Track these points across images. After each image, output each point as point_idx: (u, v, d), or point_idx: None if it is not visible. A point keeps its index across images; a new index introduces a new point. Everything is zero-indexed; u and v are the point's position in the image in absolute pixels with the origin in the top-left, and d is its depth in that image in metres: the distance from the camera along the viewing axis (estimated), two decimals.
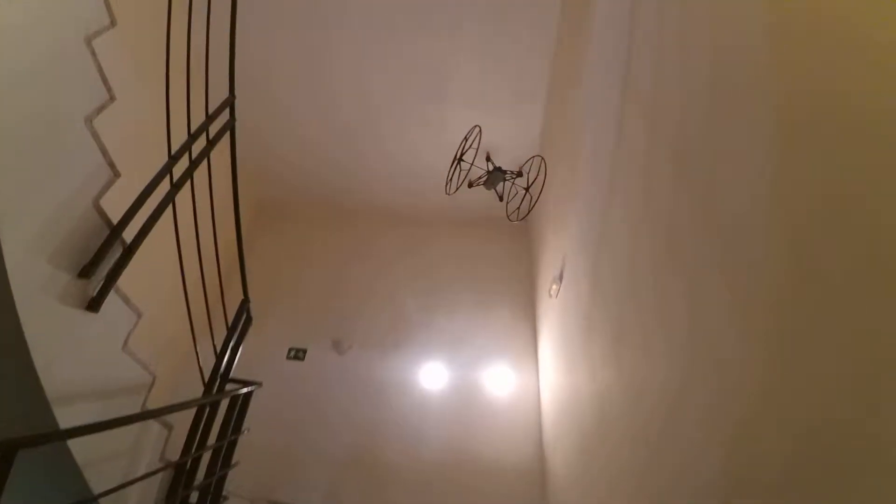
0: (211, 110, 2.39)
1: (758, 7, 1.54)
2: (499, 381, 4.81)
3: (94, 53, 1.79)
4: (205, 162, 2.32)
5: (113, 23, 1.88)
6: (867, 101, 1.04)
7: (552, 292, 4.15)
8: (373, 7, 4.75)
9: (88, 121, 1.78)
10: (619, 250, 2.65)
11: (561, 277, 4.04)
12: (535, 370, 4.87)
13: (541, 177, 4.11)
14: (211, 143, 2.36)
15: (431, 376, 4.84)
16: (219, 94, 2.49)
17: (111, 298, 1.80)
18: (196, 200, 2.35)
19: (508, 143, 5.52)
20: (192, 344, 2.25)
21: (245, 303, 2.61)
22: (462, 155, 3.85)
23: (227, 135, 2.53)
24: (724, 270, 1.53)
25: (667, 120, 2.18)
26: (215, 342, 2.41)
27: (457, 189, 4.03)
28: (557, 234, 4.40)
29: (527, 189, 4.29)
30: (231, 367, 2.48)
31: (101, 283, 1.76)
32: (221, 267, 2.59)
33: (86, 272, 1.70)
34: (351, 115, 5.56)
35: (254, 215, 6.19)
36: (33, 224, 1.56)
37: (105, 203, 1.84)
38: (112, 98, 1.88)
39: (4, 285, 1.46)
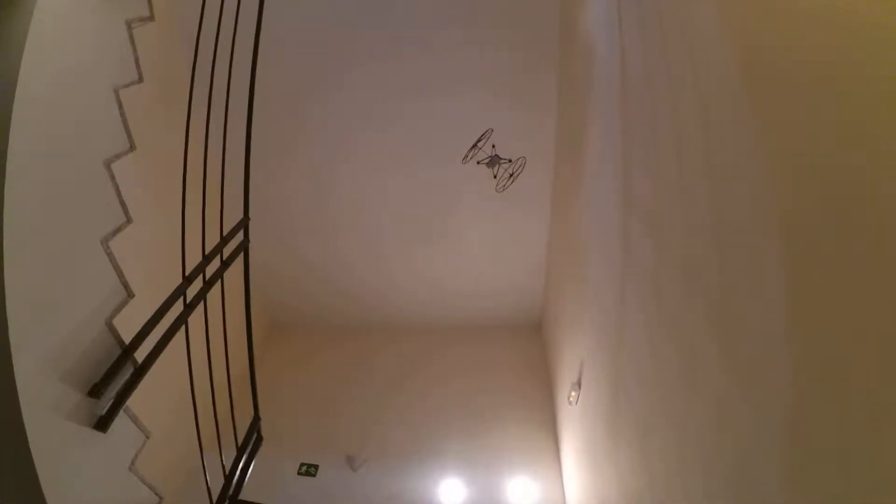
0: (225, 232, 2.50)
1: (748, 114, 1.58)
2: (521, 494, 4.62)
3: (112, 177, 1.91)
4: (218, 282, 2.40)
5: (132, 147, 2.02)
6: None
7: (571, 399, 4.07)
8: (378, 141, 5.06)
9: (104, 242, 1.87)
10: (640, 359, 2.62)
11: (580, 383, 3.98)
12: (558, 481, 4.69)
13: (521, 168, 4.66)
14: (225, 265, 2.44)
15: (450, 492, 4.67)
16: (233, 217, 2.61)
17: (120, 418, 1.81)
18: (209, 320, 2.40)
19: (517, 254, 5.63)
20: (200, 463, 2.23)
21: (256, 422, 2.60)
22: (478, 143, 4.51)
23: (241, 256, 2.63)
24: (750, 383, 1.51)
25: (672, 238, 2.21)
26: (224, 462, 2.38)
27: (470, 159, 4.62)
28: (572, 339, 4.37)
29: (511, 174, 4.71)
30: (240, 489, 2.43)
31: (111, 402, 1.78)
32: (233, 385, 2.60)
33: (96, 391, 1.72)
34: (357, 234, 5.73)
35: (265, 332, 6.23)
36: (46, 343, 1.60)
37: (118, 322, 1.90)
38: (129, 220, 1.99)
39: (13, 404, 1.49)
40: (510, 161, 4.79)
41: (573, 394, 4.05)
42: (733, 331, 1.63)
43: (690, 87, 2.03)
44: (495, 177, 4.86)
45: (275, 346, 6.24)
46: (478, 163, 4.78)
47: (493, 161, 4.73)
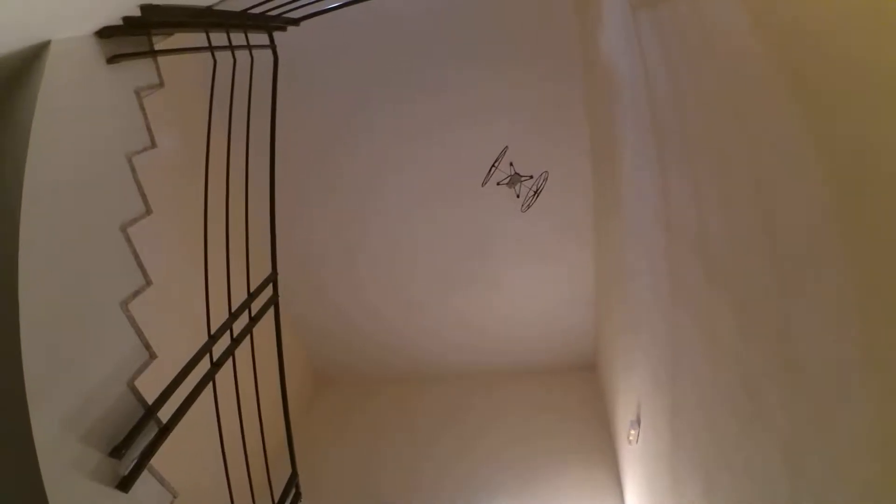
0: (252, 288, 2.51)
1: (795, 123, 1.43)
2: None
3: (129, 240, 1.95)
4: (248, 339, 2.40)
5: (148, 211, 2.06)
6: None
7: (631, 438, 3.90)
8: (407, 186, 5.12)
9: (124, 305, 1.90)
10: (697, 396, 2.48)
11: (639, 422, 3.82)
12: None
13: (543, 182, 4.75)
14: (253, 321, 2.45)
15: None
16: (261, 273, 2.63)
17: (144, 478, 1.80)
18: (239, 377, 2.40)
19: (561, 291, 5.53)
20: None
21: (294, 477, 2.56)
22: (496, 163, 4.56)
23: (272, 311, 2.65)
24: (820, 428, 1.36)
25: (722, 266, 2.09)
26: None
27: (488, 182, 4.71)
28: (627, 376, 4.23)
29: (536, 191, 4.75)
30: None
31: (134, 462, 1.77)
32: (269, 442, 2.58)
33: (117, 452, 1.72)
34: (395, 282, 5.77)
35: (310, 386, 6.31)
36: (65, 404, 1.61)
37: (141, 383, 1.91)
38: (148, 283, 2.02)
39: (33, 464, 1.50)
40: (531, 177, 4.76)
41: (633, 432, 3.89)
42: (797, 367, 1.47)
43: (725, 101, 1.93)
44: (518, 196, 4.83)
45: (321, 400, 6.25)
46: (497, 183, 4.76)
47: (513, 180, 4.72)
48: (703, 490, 2.39)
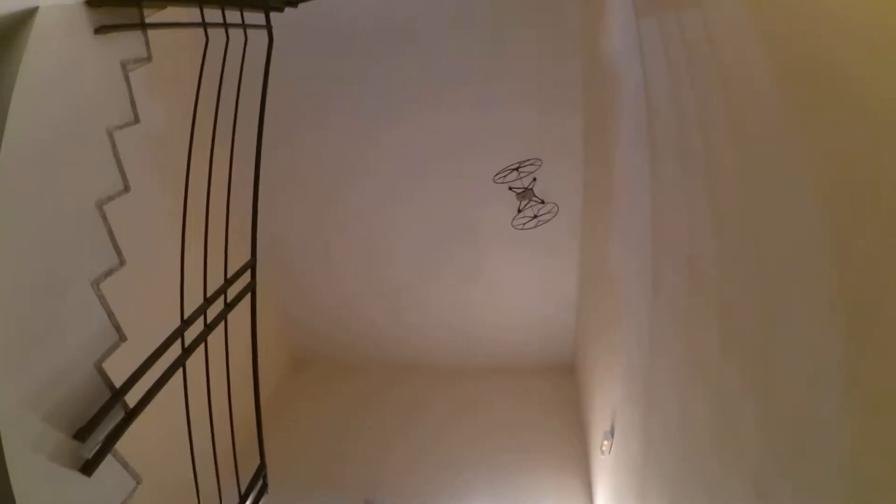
0: (230, 274, 2.46)
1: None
2: None
3: (104, 218, 1.89)
4: (222, 326, 2.35)
5: (126, 189, 2.00)
6: None
7: (604, 448, 3.89)
8: (396, 176, 5.08)
9: (95, 284, 1.84)
10: (669, 413, 2.46)
11: (612, 432, 3.80)
12: None
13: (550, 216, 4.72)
14: (228, 307, 2.39)
15: None
16: (240, 260, 2.58)
17: (108, 462, 1.75)
18: (212, 363, 2.35)
19: (545, 292, 5.52)
20: None
21: (261, 468, 2.51)
22: (520, 167, 4.51)
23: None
24: (795, 460, 1.32)
25: (706, 280, 2.05)
26: None
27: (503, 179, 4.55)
28: (605, 385, 4.21)
29: (536, 217, 4.75)
30: None
31: (98, 446, 1.72)
32: (239, 431, 2.53)
33: (81, 434, 1.67)
34: (385, 277, 5.71)
35: (288, 372, 6.26)
36: (30, 382, 1.57)
37: (109, 366, 1.85)
38: (122, 262, 1.96)
39: None
40: (542, 203, 4.70)
41: (605, 443, 3.88)
42: (775, 391, 1.43)
43: (720, 107, 1.90)
44: (519, 211, 4.78)
45: (296, 387, 6.22)
46: (509, 188, 4.71)
47: (526, 194, 4.65)
48: None
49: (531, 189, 4.72)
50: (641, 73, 2.88)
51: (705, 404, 2.00)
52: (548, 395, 5.74)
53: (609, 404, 3.96)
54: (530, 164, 4.52)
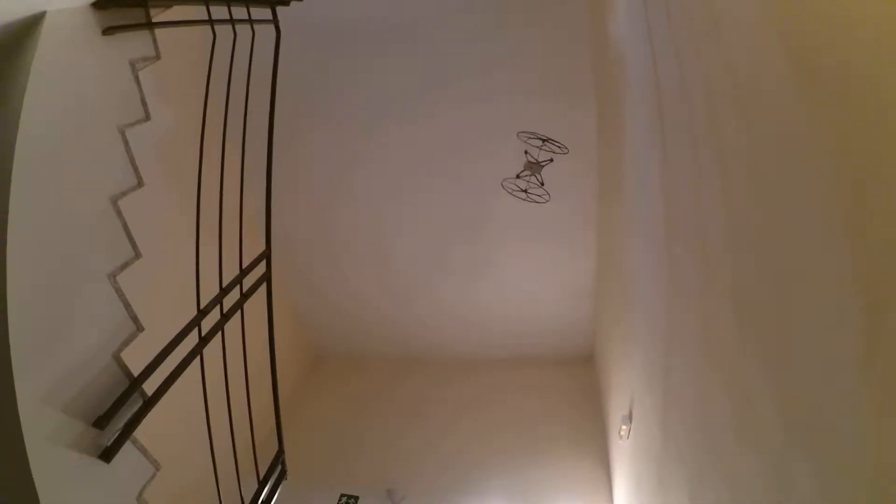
0: (245, 265, 2.51)
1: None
2: None
3: (119, 213, 1.95)
4: (238, 316, 2.40)
5: (140, 183, 2.06)
6: None
7: (622, 433, 3.89)
8: (412, 172, 5.09)
9: (112, 277, 1.90)
10: (687, 401, 2.44)
11: (630, 417, 3.81)
12: None
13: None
14: (244, 297, 2.44)
15: None
16: (256, 250, 2.63)
17: (127, 449, 1.81)
18: (230, 353, 2.41)
19: (562, 282, 5.51)
20: (216, 498, 2.22)
21: (280, 454, 2.57)
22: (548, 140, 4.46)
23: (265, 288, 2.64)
24: (812, 444, 1.31)
25: (720, 266, 2.03)
26: (244, 495, 2.36)
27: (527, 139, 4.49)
28: (623, 371, 4.20)
29: (525, 190, 4.74)
30: None
31: (117, 433, 1.78)
32: (257, 419, 2.60)
33: (100, 423, 1.73)
34: (400, 270, 5.74)
35: (308, 364, 6.32)
36: (50, 373, 1.63)
37: (127, 355, 1.91)
38: (137, 255, 2.02)
39: (16, 431, 1.51)
40: (540, 185, 4.68)
41: (624, 427, 3.88)
42: (793, 378, 1.41)
43: (729, 92, 1.88)
44: (518, 175, 4.74)
45: (314, 378, 6.32)
46: (525, 152, 4.66)
47: (534, 168, 4.64)
48: (688, 496, 2.37)
49: (541, 165, 4.69)
50: (651, 59, 2.87)
51: (723, 393, 1.99)
52: (566, 385, 5.75)
53: (627, 390, 3.96)
54: (557, 146, 4.49)
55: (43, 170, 1.72)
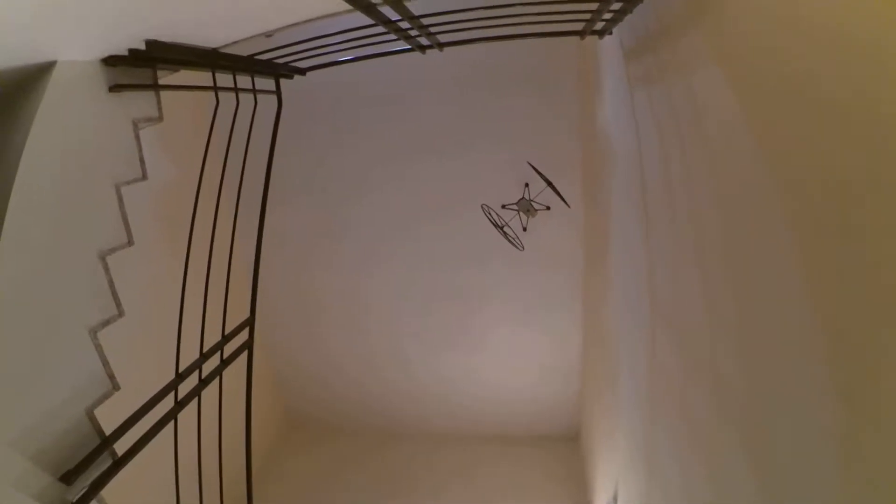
0: (228, 330, 2.49)
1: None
2: None
3: (106, 269, 1.95)
4: (217, 383, 2.36)
5: (130, 242, 2.06)
6: None
7: None
8: (401, 240, 5.14)
9: (93, 332, 1.88)
10: (669, 487, 2.41)
11: (615, 500, 3.73)
12: None
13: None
14: (224, 363, 2.41)
15: None
16: (241, 315, 2.61)
17: None
18: (206, 418, 2.35)
19: (548, 360, 5.48)
20: None
21: None
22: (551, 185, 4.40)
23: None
24: None
25: (699, 350, 2.05)
26: None
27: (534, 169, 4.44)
28: (607, 455, 4.14)
29: (503, 227, 4.69)
30: None
31: (84, 490, 1.72)
32: (228, 489, 2.51)
33: (68, 478, 1.67)
34: (380, 341, 5.71)
35: (283, 433, 6.19)
36: (21, 420, 1.59)
37: (100, 413, 1.87)
38: (121, 313, 2.00)
39: None
40: (522, 230, 4.66)
41: None
42: (772, 458, 1.42)
43: (708, 182, 1.94)
44: (504, 206, 4.69)
45: (289, 448, 6.14)
46: (525, 184, 4.65)
47: (522, 205, 4.65)
48: None
49: (534, 208, 4.72)
50: (636, 142, 2.97)
51: (704, 480, 1.97)
52: (550, 465, 5.62)
53: (612, 472, 3.89)
54: (560, 197, 4.51)
55: (35, 217, 1.73)
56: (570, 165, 4.83)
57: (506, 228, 4.75)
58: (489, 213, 4.72)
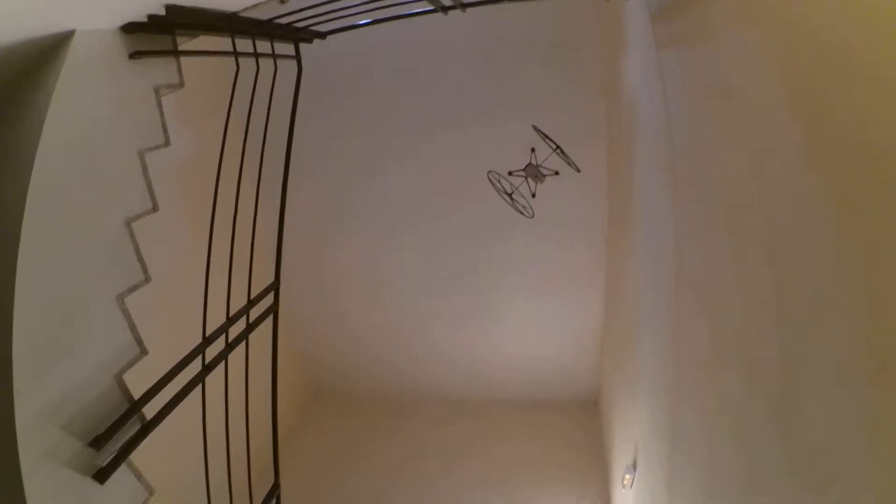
0: (253, 295, 2.51)
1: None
2: None
3: (132, 235, 1.96)
4: (243, 345, 2.39)
5: (155, 208, 2.07)
6: None
7: (626, 483, 3.81)
8: (429, 211, 5.11)
9: (120, 299, 1.90)
10: (695, 455, 2.40)
11: (635, 466, 3.74)
12: None
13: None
14: (250, 327, 2.44)
15: None
16: (266, 280, 2.63)
17: (122, 472, 1.79)
18: (232, 383, 2.39)
19: (570, 327, 5.48)
20: None
21: (275, 488, 2.53)
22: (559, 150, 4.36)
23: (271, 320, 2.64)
24: (821, 493, 1.29)
25: (728, 320, 2.01)
26: None
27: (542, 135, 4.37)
28: (627, 420, 4.15)
29: (510, 193, 4.62)
30: None
31: (113, 455, 1.76)
32: (255, 450, 2.56)
33: (97, 443, 1.71)
34: (401, 312, 5.73)
35: (307, 399, 6.28)
36: (51, 389, 1.62)
37: (129, 378, 1.90)
38: (147, 279, 2.02)
39: (11, 446, 1.49)
40: (531, 195, 4.62)
41: (627, 476, 3.81)
42: (801, 437, 1.39)
43: (739, 148, 1.89)
44: (511, 172, 4.65)
45: (313, 413, 6.27)
46: (509, 174, 4.62)
47: (529, 171, 4.59)
48: None
49: (542, 174, 4.65)
50: (663, 106, 2.90)
51: (729, 449, 1.96)
52: (569, 431, 5.67)
53: (632, 439, 3.90)
54: (568, 161, 4.42)
55: (60, 187, 1.74)
56: (594, 132, 4.75)
57: (514, 196, 4.70)
58: (497, 181, 4.67)
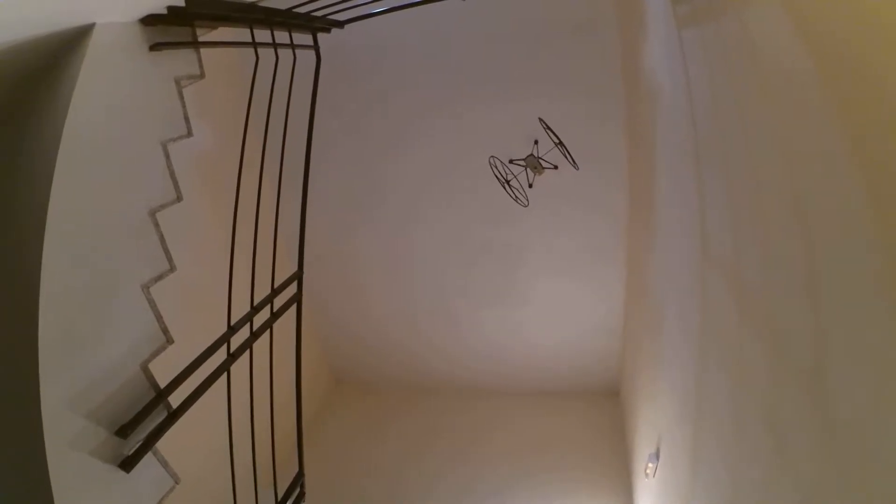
0: (277, 284, 2.52)
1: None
2: None
3: (157, 225, 1.98)
4: (267, 334, 2.41)
5: (179, 198, 2.09)
6: None
7: (648, 471, 3.78)
8: (447, 198, 5.10)
9: (146, 288, 1.92)
10: (722, 436, 2.37)
11: (658, 455, 3.71)
12: None
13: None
14: (274, 316, 2.45)
15: None
16: (290, 270, 2.64)
17: (148, 460, 1.80)
18: (256, 371, 2.41)
19: (590, 314, 5.44)
20: None
21: (299, 476, 2.54)
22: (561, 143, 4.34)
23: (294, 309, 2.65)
24: (847, 483, 1.27)
25: (756, 298, 1.98)
26: None
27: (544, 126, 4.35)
28: (650, 407, 4.11)
29: (508, 181, 4.61)
30: None
31: (139, 444, 1.77)
32: (279, 439, 2.58)
33: (123, 432, 1.72)
34: (423, 297, 5.71)
35: (330, 389, 6.31)
36: (76, 378, 1.64)
37: (154, 367, 1.92)
38: (172, 268, 2.04)
39: (37, 434, 1.51)
40: (528, 185, 4.58)
41: (650, 465, 3.78)
42: (832, 412, 1.36)
43: (766, 124, 1.85)
44: (512, 161, 4.61)
45: (337, 401, 6.29)
46: (510, 162, 4.59)
47: (530, 162, 4.56)
48: None
49: (541, 165, 4.61)
50: (685, 83, 2.86)
51: (755, 433, 1.93)
52: (590, 419, 5.64)
53: (655, 428, 3.87)
54: (568, 157, 4.39)
55: (84, 179, 1.76)
56: (614, 111, 4.68)
57: (510, 184, 4.69)
58: (494, 167, 4.65)
